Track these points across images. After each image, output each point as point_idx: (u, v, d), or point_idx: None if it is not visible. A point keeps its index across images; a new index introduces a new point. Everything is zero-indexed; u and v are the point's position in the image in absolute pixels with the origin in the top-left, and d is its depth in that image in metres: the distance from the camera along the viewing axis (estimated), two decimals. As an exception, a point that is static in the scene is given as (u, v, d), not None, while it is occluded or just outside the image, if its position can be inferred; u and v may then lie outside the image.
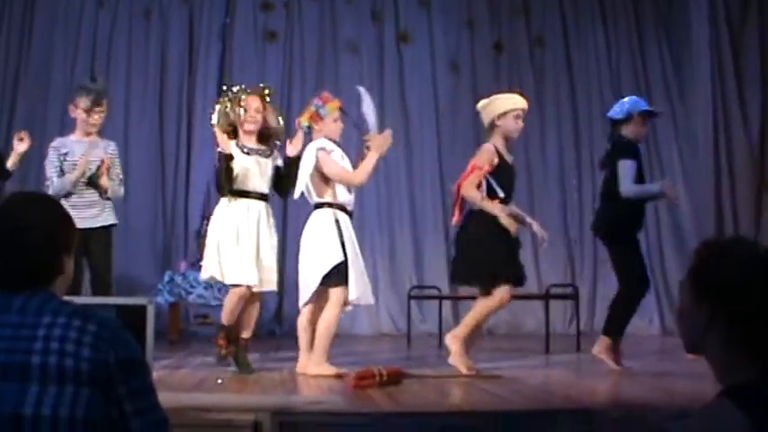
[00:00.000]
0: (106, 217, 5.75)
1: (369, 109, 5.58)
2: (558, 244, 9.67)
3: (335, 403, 4.08)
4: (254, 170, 5.40)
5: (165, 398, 1.89)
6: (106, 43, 9.22)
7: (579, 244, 9.72)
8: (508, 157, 5.44)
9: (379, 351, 7.32)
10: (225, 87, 5.71)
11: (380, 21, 9.73)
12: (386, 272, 9.43)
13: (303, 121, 5.48)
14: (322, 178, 5.35)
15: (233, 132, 5.47)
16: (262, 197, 5.43)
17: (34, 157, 8.75)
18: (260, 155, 5.44)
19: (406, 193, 9.65)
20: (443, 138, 9.68)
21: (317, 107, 5.45)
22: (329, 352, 5.30)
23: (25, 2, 9.10)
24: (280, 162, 5.53)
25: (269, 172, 5.48)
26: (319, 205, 5.37)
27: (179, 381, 4.97)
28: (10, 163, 5.64)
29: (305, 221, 5.44)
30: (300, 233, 5.47)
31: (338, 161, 5.38)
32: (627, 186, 5.52)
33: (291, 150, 5.44)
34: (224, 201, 5.43)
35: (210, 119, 5.61)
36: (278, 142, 5.60)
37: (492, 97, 5.62)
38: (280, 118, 5.64)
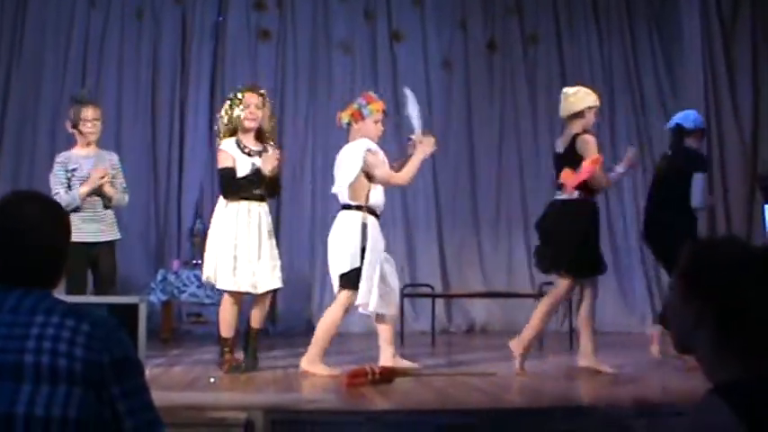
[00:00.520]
0: (112, 232, 5.74)
1: (414, 111, 5.55)
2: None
3: (328, 402, 4.08)
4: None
5: (158, 397, 1.89)
6: (98, 43, 9.19)
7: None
8: None
9: (371, 349, 7.30)
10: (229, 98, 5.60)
11: (373, 19, 9.72)
12: (379, 270, 9.43)
13: (344, 117, 5.45)
14: (363, 179, 5.30)
15: (233, 133, 5.46)
16: (261, 198, 5.43)
17: (25, 157, 8.80)
18: (259, 155, 5.43)
19: (399, 190, 9.65)
20: (436, 136, 9.66)
21: (360, 105, 5.41)
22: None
23: (17, 2, 9.07)
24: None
25: None
26: (348, 207, 5.33)
27: (172, 379, 4.97)
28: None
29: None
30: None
31: (384, 161, 5.36)
32: (700, 199, 5.78)
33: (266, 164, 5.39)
34: (222, 202, 5.42)
35: (214, 129, 5.56)
36: (272, 143, 5.59)
37: (577, 88, 5.67)
38: (272, 119, 5.64)
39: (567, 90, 5.66)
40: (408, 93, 5.61)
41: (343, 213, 5.34)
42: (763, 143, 8.70)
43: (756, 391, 1.41)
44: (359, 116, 5.37)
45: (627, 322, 8.88)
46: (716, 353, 1.52)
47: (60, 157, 5.73)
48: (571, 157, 5.36)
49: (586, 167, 5.22)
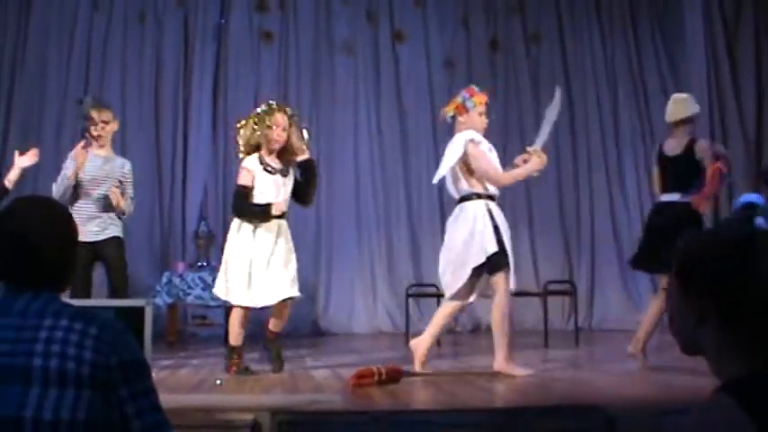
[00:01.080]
0: (116, 229, 5.85)
1: (552, 116, 5.50)
2: (556, 241, 9.69)
3: (335, 402, 4.09)
4: (274, 189, 5.42)
5: (166, 399, 1.90)
6: (101, 46, 9.21)
7: (576, 241, 9.73)
8: None
9: (377, 349, 7.33)
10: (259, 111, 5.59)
11: (375, 20, 9.73)
12: (384, 270, 9.44)
13: (448, 111, 5.44)
14: (469, 169, 5.26)
15: (255, 149, 5.47)
16: (281, 215, 5.44)
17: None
18: (281, 174, 5.45)
19: (403, 191, 9.66)
20: (440, 136, 9.67)
21: (463, 99, 5.39)
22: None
23: (20, 5, 9.09)
24: (297, 175, 5.53)
25: (288, 190, 5.50)
26: (467, 197, 5.26)
27: (179, 382, 4.98)
28: (12, 177, 5.67)
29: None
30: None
31: (486, 153, 5.31)
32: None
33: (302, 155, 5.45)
34: (236, 221, 5.44)
35: (238, 135, 5.55)
36: (297, 159, 5.55)
37: (687, 95, 6.05)
38: (305, 131, 5.62)
39: (677, 96, 6.02)
40: (558, 94, 5.56)
41: (465, 204, 5.25)
42: (767, 141, 8.70)
43: (765, 388, 1.40)
44: (463, 109, 5.33)
45: (632, 320, 8.86)
46: (721, 350, 1.50)
47: (74, 152, 5.80)
48: (690, 161, 5.80)
49: (711, 182, 5.69)
